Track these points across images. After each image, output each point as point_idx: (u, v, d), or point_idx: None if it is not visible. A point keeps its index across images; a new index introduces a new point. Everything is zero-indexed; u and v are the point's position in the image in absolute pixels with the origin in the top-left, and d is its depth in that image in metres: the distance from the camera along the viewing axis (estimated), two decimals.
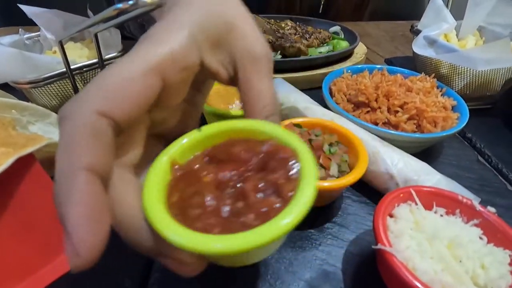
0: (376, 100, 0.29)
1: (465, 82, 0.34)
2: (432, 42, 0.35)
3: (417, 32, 0.38)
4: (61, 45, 0.24)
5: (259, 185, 0.13)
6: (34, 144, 0.20)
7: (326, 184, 0.20)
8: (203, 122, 0.29)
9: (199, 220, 0.13)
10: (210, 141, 0.16)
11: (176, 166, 0.15)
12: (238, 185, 0.14)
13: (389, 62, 0.49)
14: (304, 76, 0.40)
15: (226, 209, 0.13)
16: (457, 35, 0.40)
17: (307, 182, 0.13)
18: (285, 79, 0.39)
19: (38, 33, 0.34)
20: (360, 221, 0.23)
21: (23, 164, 0.19)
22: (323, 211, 0.24)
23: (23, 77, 0.25)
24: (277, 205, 0.13)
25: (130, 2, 0.17)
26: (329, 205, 0.24)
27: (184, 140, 0.15)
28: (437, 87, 0.32)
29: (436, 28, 0.35)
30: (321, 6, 0.71)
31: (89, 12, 0.34)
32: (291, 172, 0.13)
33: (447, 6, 0.41)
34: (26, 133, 0.23)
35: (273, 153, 0.14)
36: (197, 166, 0.15)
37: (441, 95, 0.31)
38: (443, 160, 0.29)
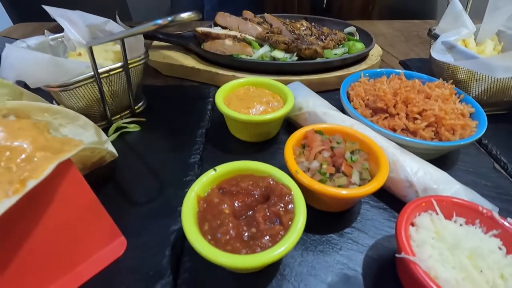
0: (394, 106, 0.30)
1: (482, 88, 0.34)
2: (450, 48, 0.35)
3: (435, 36, 0.38)
4: (91, 51, 0.25)
5: (267, 214, 0.19)
6: (70, 148, 0.21)
7: (348, 192, 0.21)
8: (224, 126, 0.29)
9: (228, 244, 0.18)
10: (223, 176, 0.22)
11: (201, 201, 0.21)
12: (249, 213, 0.20)
13: (404, 64, 0.49)
14: (320, 79, 0.40)
15: (245, 234, 0.19)
16: (475, 39, 0.40)
17: (299, 213, 0.19)
18: (301, 81, 0.39)
19: (62, 34, 0.35)
20: (379, 227, 0.24)
21: (61, 168, 0.20)
22: (342, 216, 0.24)
23: (54, 81, 0.26)
24: (281, 232, 0.18)
25: (169, 19, 0.18)
26: (349, 209, 0.25)
27: (204, 179, 0.22)
28: (455, 94, 0.33)
29: (455, 34, 0.35)
30: (325, 2, 0.71)
31: (117, 18, 0.34)
32: (288, 206, 0.20)
33: (465, 9, 0.41)
34: (58, 136, 0.24)
35: (272, 189, 0.21)
36: (216, 199, 0.21)
37: (459, 101, 0.32)
38: (460, 167, 0.29)
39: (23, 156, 0.19)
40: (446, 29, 0.37)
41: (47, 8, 0.34)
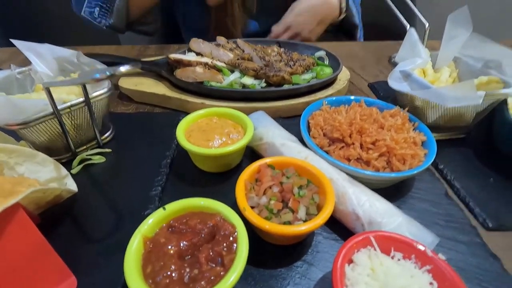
0: (350, 136, 0.31)
1: (438, 115, 0.35)
2: (407, 76, 0.36)
3: (394, 64, 0.39)
4: (48, 91, 0.26)
5: (210, 254, 0.20)
6: (21, 189, 0.22)
7: (290, 229, 0.22)
8: (188, 155, 0.30)
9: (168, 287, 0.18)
10: (173, 214, 0.23)
11: (148, 241, 0.21)
12: (195, 253, 0.20)
13: (372, 87, 0.51)
14: (287, 105, 0.41)
15: (186, 276, 0.19)
16: (434, 65, 0.42)
17: (241, 253, 0.20)
18: (269, 107, 0.41)
19: (30, 67, 0.35)
20: (329, 259, 0.24)
21: (8, 212, 0.20)
22: (294, 249, 0.25)
23: (14, 119, 0.26)
24: (222, 272, 0.19)
25: (108, 73, 0.19)
26: (301, 242, 0.26)
27: (151, 220, 0.22)
28: (410, 121, 0.34)
29: (412, 62, 0.37)
30: None
31: (80, 54, 0.35)
32: (232, 245, 0.20)
33: (424, 37, 0.43)
34: (13, 175, 0.25)
35: (219, 227, 0.21)
36: (163, 239, 0.21)
37: (414, 129, 0.33)
38: (414, 195, 0.30)
39: None
40: (404, 57, 0.39)
41: (14, 41, 0.35)
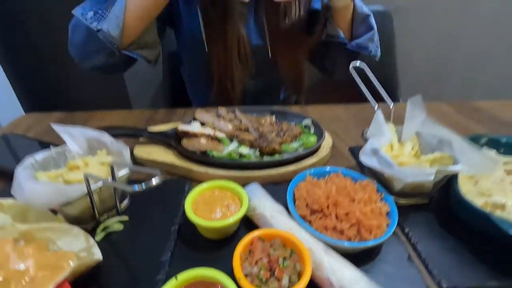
0: (327, 207, 0.38)
1: (402, 185, 0.42)
2: (375, 152, 0.44)
3: (366, 140, 0.47)
4: (87, 180, 0.33)
5: None
6: (64, 264, 0.28)
7: None
8: (191, 224, 0.35)
9: None
10: (183, 283, 0.29)
11: None
12: None
13: (352, 152, 0.58)
14: (277, 173, 0.48)
15: None
16: (400, 138, 0.50)
17: None
18: (262, 175, 0.48)
19: (64, 146, 0.43)
20: None
21: (58, 286, 0.26)
22: None
23: (57, 201, 0.33)
24: None
25: (144, 187, 0.26)
26: None
27: None
28: (378, 191, 0.41)
29: (378, 141, 0.45)
30: None
31: (107, 135, 0.43)
32: None
33: (390, 116, 0.52)
34: (54, 249, 0.31)
35: None
36: None
37: (381, 199, 0.40)
38: (381, 258, 0.36)
39: (27, 278, 0.26)
40: (374, 134, 0.47)
41: (54, 126, 0.43)
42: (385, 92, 0.52)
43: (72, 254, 0.30)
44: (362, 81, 0.54)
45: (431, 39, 1.53)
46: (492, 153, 0.50)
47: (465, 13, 1.47)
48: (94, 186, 0.35)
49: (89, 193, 0.34)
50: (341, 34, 0.72)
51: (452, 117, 0.74)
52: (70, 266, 0.27)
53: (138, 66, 0.72)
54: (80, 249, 0.32)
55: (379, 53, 0.76)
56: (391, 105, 0.52)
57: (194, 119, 0.60)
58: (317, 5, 0.75)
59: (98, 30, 0.56)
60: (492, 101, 0.82)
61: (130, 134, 0.54)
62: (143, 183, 0.27)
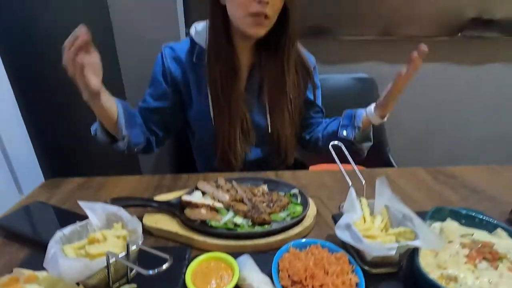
0: (305, 279, 0.44)
1: (372, 257, 0.49)
2: (348, 227, 0.52)
3: (342, 214, 0.55)
4: (108, 259, 0.41)
5: None
6: None
7: None
8: None
9: None
10: None
11: None
12: None
13: (334, 219, 0.66)
14: (266, 243, 0.56)
15: None
16: (373, 211, 0.58)
17: None
18: (253, 244, 0.55)
19: (87, 221, 0.51)
20: None
21: None
22: None
23: (83, 275, 0.40)
24: None
25: (156, 271, 0.34)
26: None
27: None
28: (350, 263, 0.48)
29: (351, 217, 0.53)
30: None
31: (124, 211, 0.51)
32: None
33: (363, 191, 0.61)
34: None
35: None
36: None
37: (352, 271, 0.47)
38: None
39: None
40: (348, 210, 0.55)
41: (80, 203, 0.52)
42: (358, 170, 0.62)
43: None
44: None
45: (416, 103, 1.68)
46: (454, 224, 0.58)
47: (446, 82, 1.63)
48: (112, 261, 0.43)
49: (108, 267, 0.42)
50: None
51: (429, 183, 0.83)
52: None
53: None
54: None
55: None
56: (363, 182, 0.61)
57: (196, 188, 0.69)
58: (309, 95, 0.91)
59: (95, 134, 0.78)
60: (467, 166, 0.91)
61: (140, 205, 0.63)
62: (156, 269, 0.35)
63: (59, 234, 0.47)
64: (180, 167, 1.19)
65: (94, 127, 0.78)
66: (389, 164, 1.53)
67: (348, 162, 0.66)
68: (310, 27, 1.46)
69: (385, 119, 0.86)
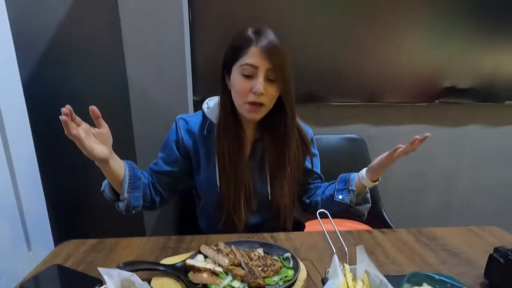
0: None
1: None
2: None
3: (326, 280, 0.63)
4: None
5: None
6: None
7: None
8: None
9: None
10: None
11: None
12: None
13: (323, 282, 0.73)
14: None
15: None
16: (356, 275, 0.65)
17: None
18: None
19: (105, 285, 0.59)
20: None
21: None
22: None
23: None
24: None
25: None
26: None
27: None
28: None
29: (334, 283, 0.61)
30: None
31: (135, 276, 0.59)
32: None
33: (346, 258, 0.69)
34: None
35: None
36: None
37: None
38: None
39: None
40: (332, 275, 0.63)
41: (100, 269, 0.60)
42: (341, 239, 0.71)
43: None
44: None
45: (403, 158, 1.79)
46: None
47: (428, 142, 1.77)
48: None
49: None
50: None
51: (411, 245, 0.90)
52: None
53: None
54: None
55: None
56: (346, 249, 0.69)
57: (199, 252, 0.77)
58: (308, 164, 1.03)
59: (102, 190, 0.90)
60: (448, 228, 1.00)
61: (149, 268, 0.71)
62: None
63: None
64: (183, 224, 1.27)
65: (104, 183, 0.90)
66: (383, 219, 1.60)
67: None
68: (304, 94, 1.64)
69: (377, 182, 0.96)
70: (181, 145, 0.95)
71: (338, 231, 0.74)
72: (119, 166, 0.81)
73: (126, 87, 1.42)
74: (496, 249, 0.72)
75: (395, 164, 1.79)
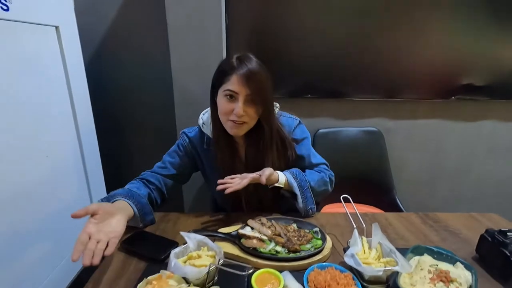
0: (325, 287, 0.72)
1: (368, 276, 0.76)
2: (352, 256, 0.79)
3: (349, 246, 0.83)
4: (207, 273, 0.70)
5: None
6: None
7: None
8: None
9: None
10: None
11: None
12: None
13: (344, 251, 0.93)
14: (297, 265, 0.84)
15: None
16: (371, 245, 0.85)
17: None
18: (289, 266, 0.83)
19: (186, 244, 0.82)
20: None
21: None
22: None
23: (195, 277, 0.70)
24: None
25: (246, 272, 0.63)
26: None
27: None
28: (353, 279, 0.75)
29: (354, 249, 0.81)
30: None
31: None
32: None
33: (364, 232, 0.88)
34: None
35: None
36: None
37: (354, 284, 0.74)
38: None
39: None
40: (352, 244, 0.83)
41: (182, 233, 0.83)
42: (360, 218, 0.90)
43: None
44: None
45: (418, 153, 1.94)
46: (428, 258, 0.84)
47: (444, 135, 1.90)
48: (212, 268, 0.72)
49: (208, 272, 0.72)
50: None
51: (418, 226, 1.08)
52: None
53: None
54: None
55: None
56: (364, 225, 0.89)
57: (247, 224, 0.99)
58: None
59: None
60: (451, 213, 1.17)
61: (211, 235, 0.93)
62: (248, 270, 0.64)
63: (172, 252, 0.78)
64: (216, 202, 1.50)
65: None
66: (396, 205, 1.77)
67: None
68: (327, 91, 1.80)
69: (278, 185, 1.04)
70: (189, 155, 1.11)
71: (357, 212, 0.94)
72: (129, 212, 0.92)
73: (171, 85, 1.63)
74: (487, 230, 0.89)
75: (411, 155, 1.96)
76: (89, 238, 0.72)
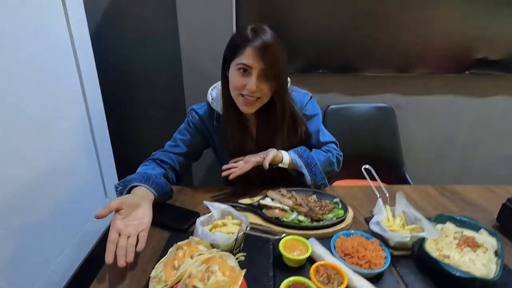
0: (353, 253, 0.72)
1: (394, 243, 0.76)
2: (378, 223, 0.79)
3: (373, 215, 0.83)
4: (235, 240, 0.70)
5: None
6: (240, 273, 0.64)
7: None
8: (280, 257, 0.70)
9: None
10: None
11: None
12: None
13: (366, 220, 0.93)
14: (322, 233, 0.84)
15: None
16: (394, 214, 0.85)
17: None
18: (313, 234, 0.83)
19: (211, 213, 0.81)
20: None
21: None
22: None
23: (224, 243, 0.70)
24: None
25: (272, 237, 0.63)
26: None
27: None
28: (380, 245, 0.75)
29: (379, 217, 0.80)
30: None
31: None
32: None
33: (387, 200, 0.88)
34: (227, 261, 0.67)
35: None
36: None
37: (382, 250, 0.74)
38: (384, 280, 0.69)
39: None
40: (377, 212, 0.83)
41: (205, 202, 0.82)
42: (384, 188, 0.90)
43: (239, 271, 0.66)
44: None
45: (429, 129, 1.93)
46: (451, 225, 0.84)
47: (455, 111, 1.88)
48: (241, 234, 0.72)
49: (236, 239, 0.72)
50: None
51: (436, 198, 1.09)
52: (242, 272, 0.63)
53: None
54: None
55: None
56: (387, 194, 0.88)
57: (267, 196, 0.98)
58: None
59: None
60: (467, 185, 1.17)
61: (233, 205, 0.93)
62: (275, 238, 0.64)
63: (198, 220, 0.77)
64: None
65: (121, 188, 0.91)
66: (405, 181, 1.78)
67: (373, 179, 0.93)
68: (339, 66, 1.75)
69: (282, 165, 1.03)
70: (200, 131, 1.08)
71: (374, 185, 0.93)
72: (150, 197, 0.88)
73: (179, 59, 1.58)
74: (509, 199, 0.89)
75: (421, 131, 1.94)
76: (119, 235, 0.69)
